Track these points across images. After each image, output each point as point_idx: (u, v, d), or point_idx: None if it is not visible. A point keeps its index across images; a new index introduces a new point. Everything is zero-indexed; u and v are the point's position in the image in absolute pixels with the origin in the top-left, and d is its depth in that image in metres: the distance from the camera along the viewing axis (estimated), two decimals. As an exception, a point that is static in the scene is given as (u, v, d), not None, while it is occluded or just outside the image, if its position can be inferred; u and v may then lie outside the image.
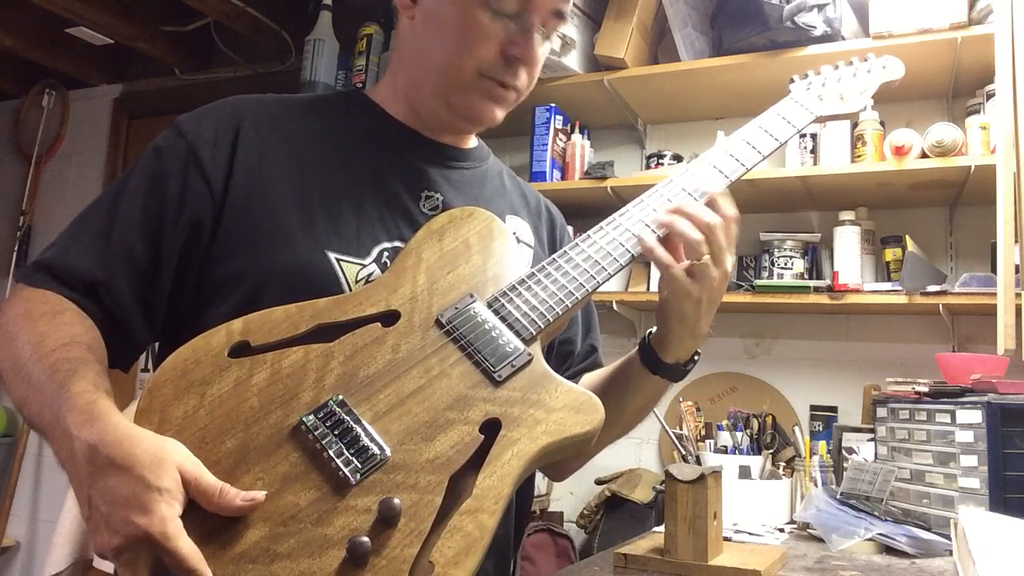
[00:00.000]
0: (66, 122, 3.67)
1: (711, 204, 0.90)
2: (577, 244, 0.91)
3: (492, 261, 0.90)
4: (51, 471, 3.36)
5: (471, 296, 0.85)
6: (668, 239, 0.89)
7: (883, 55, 1.13)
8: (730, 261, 0.90)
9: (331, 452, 0.72)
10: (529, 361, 0.81)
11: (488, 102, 0.96)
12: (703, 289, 0.88)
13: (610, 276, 0.89)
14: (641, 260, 0.92)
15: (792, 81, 1.09)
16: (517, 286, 0.87)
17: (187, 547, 0.64)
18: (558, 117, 2.56)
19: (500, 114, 0.98)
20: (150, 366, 2.14)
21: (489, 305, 0.85)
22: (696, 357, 0.98)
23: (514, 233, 1.02)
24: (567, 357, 1.10)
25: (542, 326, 0.84)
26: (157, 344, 0.94)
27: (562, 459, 0.98)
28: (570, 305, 0.86)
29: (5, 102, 3.84)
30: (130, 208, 0.88)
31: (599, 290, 0.89)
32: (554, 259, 0.89)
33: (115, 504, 0.65)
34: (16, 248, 3.54)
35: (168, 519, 0.64)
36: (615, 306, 2.39)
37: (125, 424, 0.69)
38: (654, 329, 0.98)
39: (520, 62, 0.93)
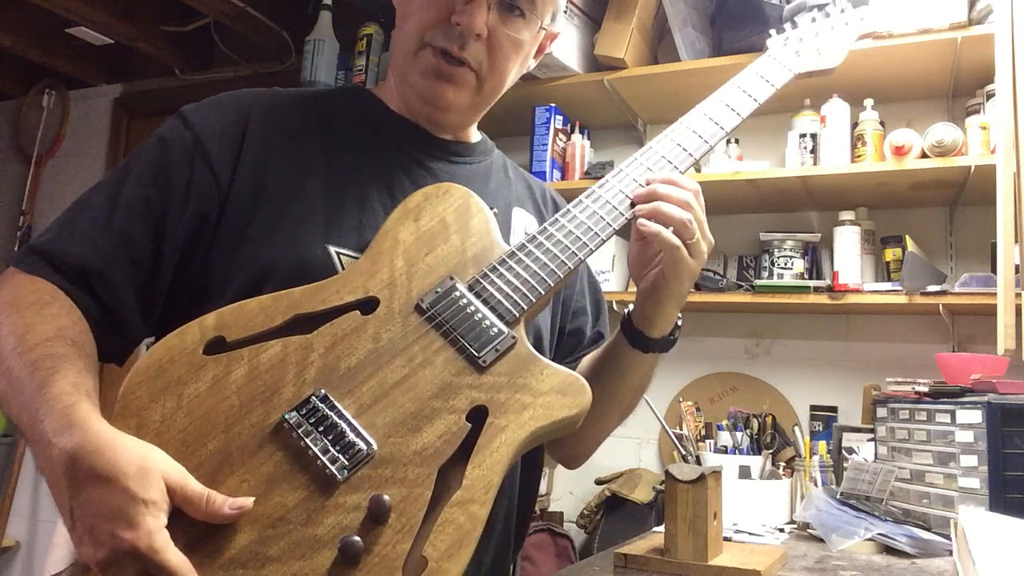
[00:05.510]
0: (66, 122, 3.66)
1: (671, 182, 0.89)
2: (557, 219, 0.88)
3: (471, 240, 0.87)
4: (51, 471, 3.35)
5: (451, 278, 0.83)
6: (656, 220, 0.87)
7: (860, 6, 1.11)
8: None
9: (316, 450, 0.70)
10: (513, 344, 0.79)
11: (434, 79, 0.94)
12: (698, 264, 0.89)
13: (591, 252, 0.87)
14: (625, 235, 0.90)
15: (769, 36, 1.09)
16: (498, 266, 0.84)
17: (176, 559, 0.63)
18: (558, 117, 2.55)
19: (452, 93, 0.95)
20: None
21: (470, 288, 0.82)
22: (679, 323, 0.98)
23: (523, 226, 1.02)
24: (576, 347, 1.10)
25: (525, 307, 0.82)
26: (154, 338, 0.93)
27: (568, 447, 1.06)
28: (552, 284, 0.83)
29: (5, 102, 3.83)
30: (132, 198, 0.86)
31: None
32: (534, 236, 0.87)
33: (99, 517, 0.63)
34: (16, 248, 3.54)
35: (155, 532, 0.63)
36: (615, 306, 2.38)
37: (107, 431, 0.66)
38: (628, 310, 0.97)
39: (463, 30, 0.91)
